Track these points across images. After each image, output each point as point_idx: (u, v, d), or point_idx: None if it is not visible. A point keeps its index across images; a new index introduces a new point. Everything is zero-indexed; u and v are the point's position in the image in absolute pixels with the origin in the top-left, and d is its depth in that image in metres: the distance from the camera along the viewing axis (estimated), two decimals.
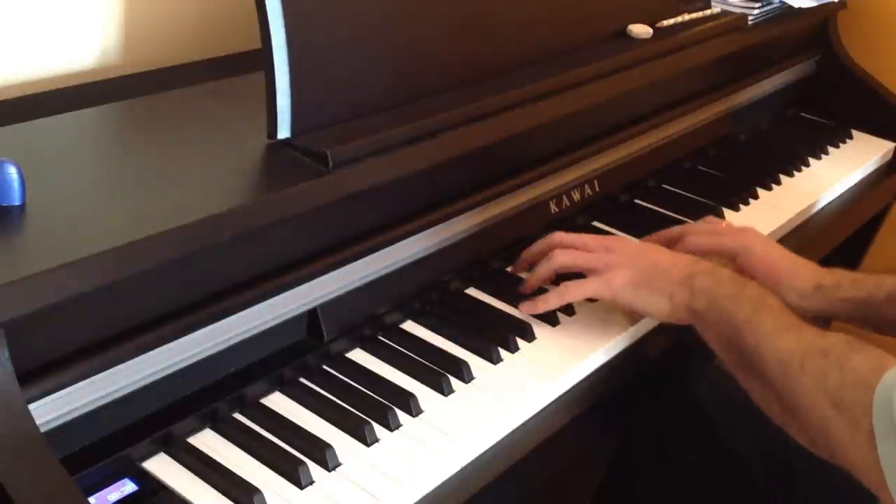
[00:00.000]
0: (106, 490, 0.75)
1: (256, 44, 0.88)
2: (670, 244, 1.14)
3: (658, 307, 0.96)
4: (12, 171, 0.76)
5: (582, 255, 1.01)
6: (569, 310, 1.03)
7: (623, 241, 1.04)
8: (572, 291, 1.00)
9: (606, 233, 1.22)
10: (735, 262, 1.10)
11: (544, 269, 1.03)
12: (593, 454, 1.29)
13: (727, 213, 1.30)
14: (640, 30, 1.30)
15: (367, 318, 0.97)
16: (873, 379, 0.74)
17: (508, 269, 1.12)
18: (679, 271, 0.96)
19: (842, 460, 0.78)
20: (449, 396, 0.90)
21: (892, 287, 1.02)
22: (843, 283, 1.05)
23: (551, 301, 1.00)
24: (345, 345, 0.95)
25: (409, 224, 0.99)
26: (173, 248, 0.76)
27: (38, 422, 0.69)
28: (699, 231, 1.14)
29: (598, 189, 1.24)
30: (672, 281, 0.95)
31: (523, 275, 1.09)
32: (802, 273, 1.06)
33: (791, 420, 0.83)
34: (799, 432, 0.83)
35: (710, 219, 1.22)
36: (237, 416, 0.86)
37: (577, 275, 1.01)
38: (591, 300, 1.04)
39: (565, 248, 1.03)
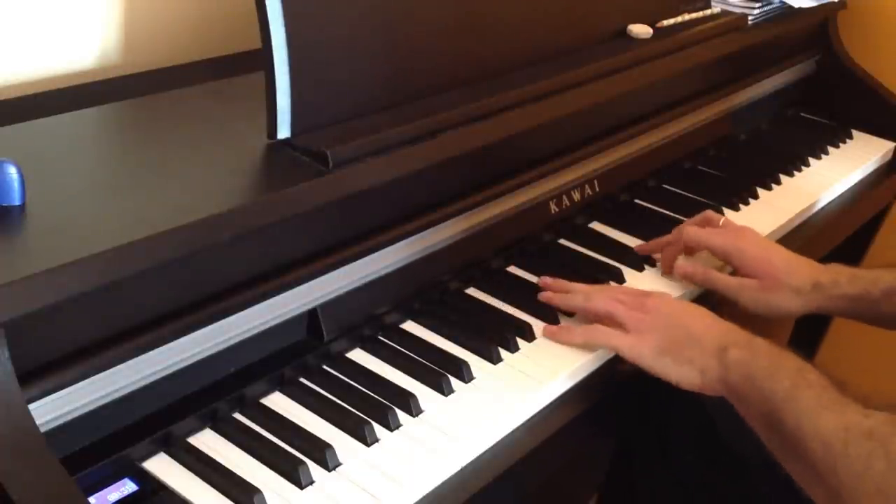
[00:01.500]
0: (106, 490, 0.75)
1: (256, 44, 0.88)
2: (663, 248, 1.14)
3: (688, 378, 0.92)
4: (12, 171, 0.76)
5: (618, 308, 0.98)
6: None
7: (660, 302, 0.99)
8: (599, 337, 0.97)
9: (606, 233, 1.22)
10: (731, 261, 1.10)
11: (577, 304, 1.01)
12: (593, 454, 1.29)
13: (727, 213, 1.30)
14: (640, 30, 1.30)
15: (367, 318, 0.97)
16: None
17: (509, 269, 1.12)
18: (712, 342, 0.91)
19: None
20: (449, 396, 0.90)
21: (889, 283, 1.02)
22: (840, 280, 1.05)
23: (576, 338, 0.98)
24: (345, 345, 0.95)
25: (409, 224, 0.99)
26: (173, 248, 0.76)
27: (38, 422, 0.69)
28: (695, 226, 1.14)
29: (598, 189, 1.24)
30: (704, 352, 0.91)
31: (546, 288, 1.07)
32: (799, 271, 1.06)
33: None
34: None
35: (709, 214, 1.22)
36: (237, 416, 0.86)
37: None
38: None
39: (606, 296, 1.00)
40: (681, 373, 0.92)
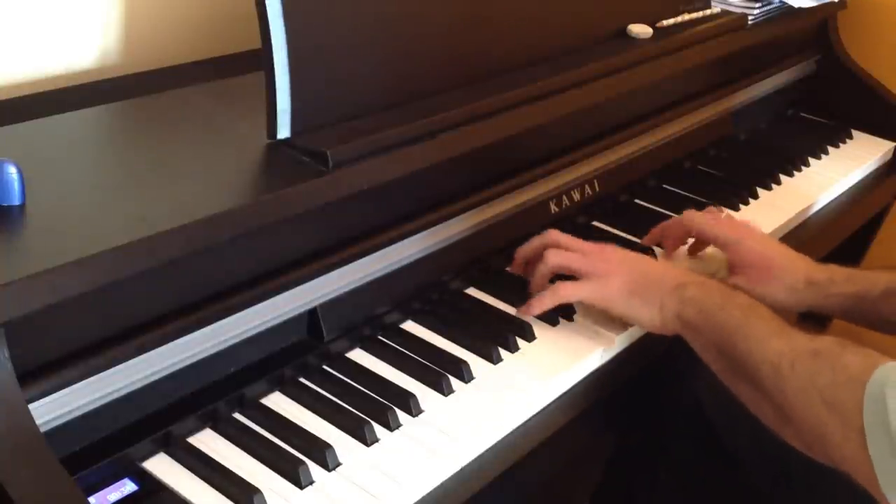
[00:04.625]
0: (106, 490, 0.75)
1: (256, 44, 0.88)
2: (664, 235, 1.15)
3: (650, 317, 0.96)
4: (12, 171, 0.76)
5: (577, 258, 1.01)
6: (568, 310, 1.03)
7: (616, 250, 1.03)
8: (567, 291, 1.00)
9: (606, 233, 1.22)
10: (729, 252, 1.11)
11: (541, 273, 1.03)
12: (593, 454, 1.29)
13: (727, 213, 1.30)
14: (640, 30, 1.30)
15: (367, 318, 0.97)
16: (864, 376, 0.75)
17: (508, 268, 1.12)
18: (670, 281, 0.96)
19: (836, 460, 0.78)
20: (449, 396, 0.90)
21: (887, 283, 1.02)
22: (835, 279, 1.05)
23: (546, 301, 1.00)
24: (345, 345, 0.95)
25: (409, 224, 0.99)
26: (173, 248, 0.76)
27: (38, 422, 0.69)
28: (698, 215, 1.15)
29: (598, 189, 1.24)
30: (663, 291, 0.95)
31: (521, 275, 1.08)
32: (795, 267, 1.07)
33: (785, 424, 0.84)
34: (793, 436, 0.84)
35: (710, 209, 1.22)
36: (237, 416, 0.86)
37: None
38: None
39: (559, 249, 1.02)
40: (646, 313, 0.97)
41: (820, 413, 0.77)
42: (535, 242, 1.06)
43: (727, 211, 1.30)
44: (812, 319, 1.61)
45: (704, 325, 0.91)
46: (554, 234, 1.05)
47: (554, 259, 1.02)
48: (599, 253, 1.01)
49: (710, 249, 1.17)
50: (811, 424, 0.79)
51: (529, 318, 1.01)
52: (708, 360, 0.92)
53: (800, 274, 1.06)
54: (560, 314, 1.02)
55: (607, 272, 0.99)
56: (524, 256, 1.08)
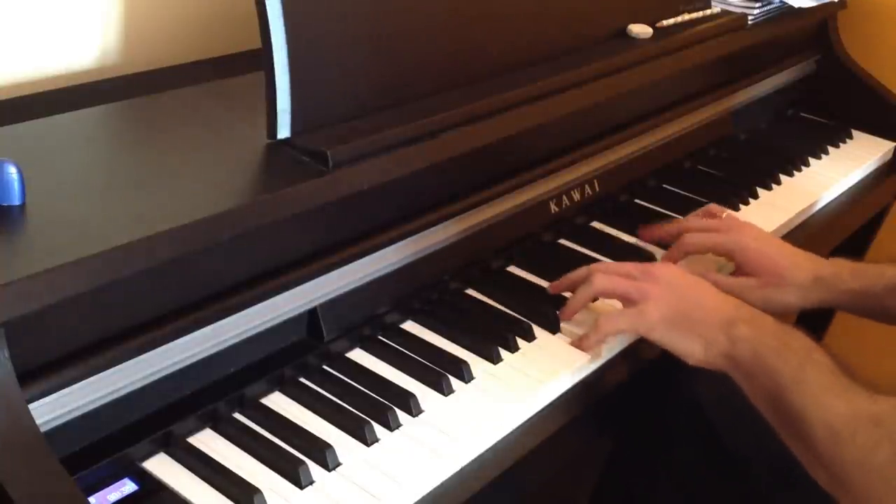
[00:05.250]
0: (106, 490, 0.75)
1: (256, 44, 0.88)
2: (669, 240, 1.14)
3: (690, 350, 0.91)
4: (12, 171, 0.76)
5: (621, 283, 0.96)
6: None
7: (667, 271, 0.97)
8: (606, 327, 0.95)
9: (606, 233, 1.22)
10: (733, 259, 1.10)
11: (582, 295, 0.99)
12: (593, 454, 1.29)
13: (728, 213, 1.30)
14: (640, 30, 1.30)
15: (367, 318, 0.97)
16: None
17: (509, 269, 1.12)
18: (719, 315, 0.90)
19: None
20: (449, 396, 0.90)
21: (893, 277, 1.01)
22: (843, 274, 1.04)
23: (592, 342, 0.96)
24: (345, 345, 0.95)
25: (409, 224, 0.99)
26: (173, 248, 0.76)
27: (38, 422, 0.69)
28: (696, 228, 1.14)
29: (598, 189, 1.24)
30: (710, 325, 0.90)
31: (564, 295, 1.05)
32: (801, 265, 1.06)
33: (838, 489, 0.79)
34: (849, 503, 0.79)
35: (714, 207, 1.22)
36: (237, 415, 0.86)
37: None
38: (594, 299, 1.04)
39: (606, 275, 0.98)
40: (687, 345, 0.91)
41: (877, 488, 0.74)
42: (582, 271, 1.01)
43: (728, 211, 1.30)
44: (814, 315, 1.62)
45: (758, 370, 0.85)
46: (601, 264, 1.02)
47: (598, 283, 0.97)
48: (647, 273, 0.96)
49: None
50: (866, 497, 0.75)
51: (529, 319, 1.01)
52: (759, 407, 0.87)
53: (807, 272, 1.05)
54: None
55: (649, 297, 0.94)
56: (568, 284, 1.03)
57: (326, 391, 0.89)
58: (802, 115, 1.71)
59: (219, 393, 0.85)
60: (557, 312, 1.01)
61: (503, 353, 0.96)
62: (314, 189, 0.87)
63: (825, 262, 1.06)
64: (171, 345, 0.80)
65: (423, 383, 0.91)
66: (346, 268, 0.93)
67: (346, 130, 0.93)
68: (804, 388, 0.80)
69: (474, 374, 0.93)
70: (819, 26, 1.68)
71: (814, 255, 1.08)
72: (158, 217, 0.77)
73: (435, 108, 1.00)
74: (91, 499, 0.74)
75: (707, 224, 1.15)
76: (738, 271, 1.10)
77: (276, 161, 0.90)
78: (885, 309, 1.02)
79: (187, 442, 0.82)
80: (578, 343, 0.98)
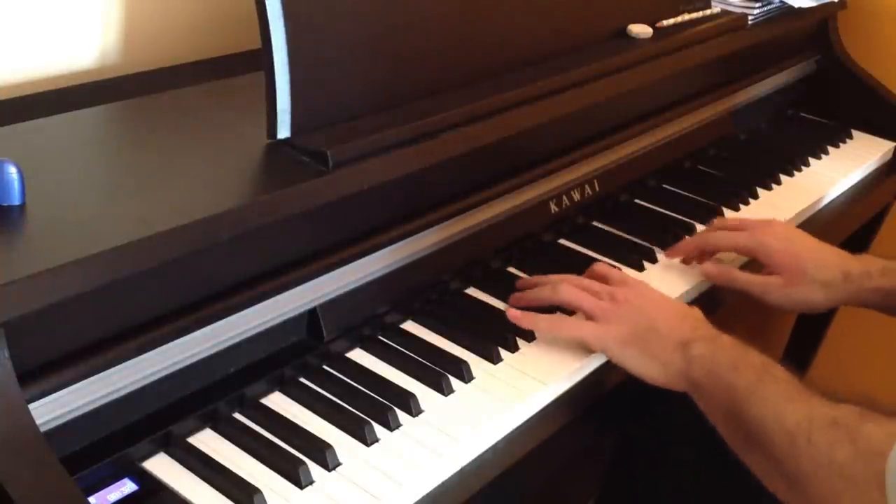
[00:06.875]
0: (106, 490, 0.75)
1: (256, 44, 0.88)
2: (692, 252, 1.13)
3: (650, 372, 0.92)
4: (12, 171, 0.76)
5: (586, 299, 0.97)
6: (569, 311, 1.03)
7: (632, 293, 0.98)
8: (565, 329, 0.97)
9: (606, 233, 1.22)
10: (757, 258, 1.10)
11: (545, 295, 1.00)
12: (593, 454, 1.29)
13: (727, 212, 1.31)
14: (640, 30, 1.30)
15: (367, 318, 0.97)
16: (886, 449, 0.71)
17: (509, 269, 1.12)
18: (676, 336, 0.91)
19: None
20: (449, 396, 0.90)
21: None
22: (872, 272, 1.03)
23: (540, 325, 0.97)
24: (345, 345, 0.95)
25: (409, 224, 0.99)
26: (173, 248, 0.76)
27: (38, 422, 0.69)
28: (716, 229, 1.13)
29: (598, 189, 1.24)
30: (666, 347, 0.91)
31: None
32: (828, 263, 1.05)
33: (796, 494, 0.79)
34: None
35: (724, 220, 1.22)
36: (237, 415, 0.86)
37: None
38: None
39: (573, 286, 0.99)
40: (644, 366, 0.92)
41: (837, 487, 0.74)
42: (554, 277, 1.02)
43: (727, 213, 1.30)
44: (812, 319, 1.62)
45: (714, 388, 0.86)
46: (573, 277, 1.02)
47: (564, 293, 0.98)
48: (611, 296, 0.97)
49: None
50: (824, 498, 0.75)
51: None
52: (716, 423, 0.88)
53: (834, 269, 1.04)
54: (560, 314, 1.02)
55: (609, 319, 0.95)
56: (536, 282, 1.04)
57: (326, 391, 0.89)
58: (802, 115, 1.71)
59: (219, 393, 0.85)
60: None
61: (503, 353, 0.96)
62: (314, 189, 0.87)
63: (854, 259, 1.05)
64: (171, 345, 0.80)
65: (423, 383, 0.91)
66: (346, 268, 0.93)
67: (346, 130, 0.93)
68: (761, 398, 0.81)
69: (474, 374, 0.93)
70: (819, 26, 1.68)
71: (843, 252, 1.06)
72: (158, 217, 0.77)
73: (435, 108, 1.00)
74: (91, 499, 0.74)
75: (728, 224, 1.15)
76: (765, 270, 1.10)
77: (276, 161, 0.90)
78: None
79: (187, 442, 0.82)
80: (521, 318, 0.97)
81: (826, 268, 1.04)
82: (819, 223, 1.37)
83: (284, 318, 0.90)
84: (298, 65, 0.89)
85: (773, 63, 1.60)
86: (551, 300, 1.00)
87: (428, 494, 0.81)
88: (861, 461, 0.73)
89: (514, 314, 0.98)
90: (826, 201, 1.42)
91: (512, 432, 0.89)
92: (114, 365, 0.76)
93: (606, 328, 0.95)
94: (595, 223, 1.24)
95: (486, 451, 0.86)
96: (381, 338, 0.97)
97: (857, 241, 1.60)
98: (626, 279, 1.02)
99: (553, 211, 1.18)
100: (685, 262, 1.15)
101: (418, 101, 1.01)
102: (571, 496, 1.39)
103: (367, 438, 0.83)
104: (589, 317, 0.97)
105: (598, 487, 1.26)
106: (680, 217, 1.27)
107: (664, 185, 1.37)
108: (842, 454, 0.74)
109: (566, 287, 0.99)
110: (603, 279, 1.01)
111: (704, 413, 0.89)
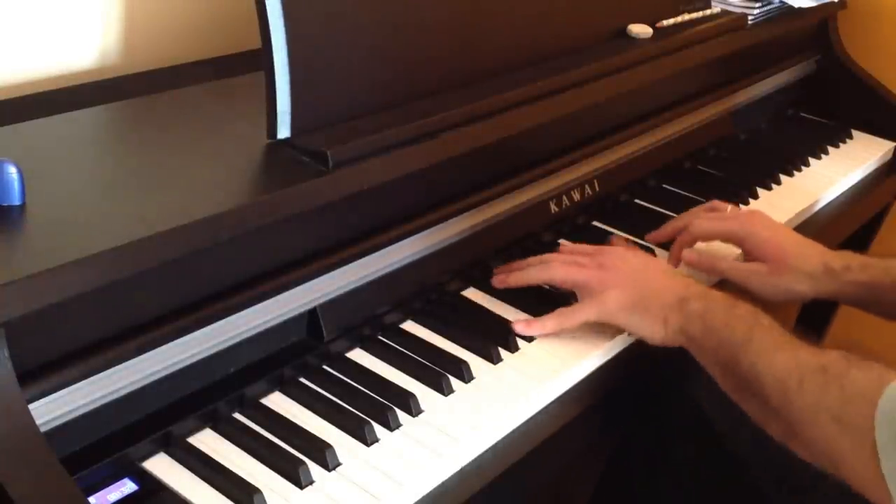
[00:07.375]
0: (106, 490, 0.75)
1: (256, 44, 0.88)
2: (676, 234, 1.14)
3: (651, 331, 0.95)
4: (12, 171, 0.76)
5: (578, 273, 0.99)
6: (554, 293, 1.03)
7: (616, 258, 1.01)
8: (572, 318, 0.98)
9: (606, 233, 1.22)
10: (742, 246, 1.10)
11: (534, 277, 1.02)
12: (593, 454, 1.29)
13: (731, 207, 1.30)
14: (640, 30, 1.30)
15: (367, 318, 0.97)
16: (874, 393, 0.74)
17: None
18: (672, 294, 0.94)
19: (846, 475, 0.77)
20: (449, 396, 0.90)
21: None
22: (852, 266, 1.04)
23: (549, 326, 0.98)
24: (345, 345, 0.95)
25: (409, 224, 0.99)
26: (173, 248, 0.76)
27: (38, 422, 0.69)
28: (704, 216, 1.14)
29: (598, 189, 1.24)
30: (665, 305, 0.94)
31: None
32: (810, 255, 1.06)
33: (793, 438, 0.83)
34: (802, 449, 0.83)
35: (716, 203, 1.22)
36: (237, 415, 0.86)
37: None
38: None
39: (562, 263, 1.01)
40: (647, 327, 0.95)
41: (829, 430, 0.77)
42: (546, 256, 1.04)
43: (731, 206, 1.30)
44: (816, 310, 1.61)
45: (709, 342, 0.90)
46: (558, 254, 1.04)
47: (556, 272, 1.00)
48: (598, 264, 0.99)
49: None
50: (820, 441, 0.78)
51: (530, 319, 1.01)
52: (714, 374, 0.91)
53: (816, 261, 1.05)
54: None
55: (607, 284, 0.97)
56: (523, 265, 1.05)
57: (326, 391, 0.89)
58: (802, 115, 1.71)
59: (219, 393, 0.85)
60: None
61: (503, 353, 0.96)
62: (314, 189, 0.87)
63: (834, 254, 1.07)
64: (171, 345, 0.80)
65: (423, 383, 0.91)
66: (345, 268, 0.93)
67: (345, 130, 0.93)
68: (753, 348, 0.85)
69: (474, 374, 0.93)
70: (819, 26, 1.68)
71: (822, 246, 1.08)
72: (158, 217, 0.77)
73: (435, 108, 1.00)
74: (91, 499, 0.74)
75: (715, 214, 1.16)
76: (748, 258, 1.10)
77: (276, 161, 0.90)
78: (892, 304, 1.02)
79: (187, 442, 0.82)
80: (528, 326, 0.98)
81: (808, 259, 1.06)
82: (819, 223, 1.38)
83: (284, 318, 0.90)
84: (298, 65, 0.89)
85: (773, 63, 1.60)
86: (541, 281, 1.02)
87: (428, 494, 0.81)
88: (852, 406, 0.76)
89: (521, 327, 0.99)
90: (826, 201, 1.42)
91: (512, 432, 0.89)
92: (114, 365, 0.76)
93: (604, 297, 0.97)
94: (595, 223, 1.24)
95: (486, 451, 0.86)
96: (381, 338, 0.97)
97: (857, 241, 1.60)
98: (600, 248, 1.04)
99: (553, 211, 1.18)
100: (672, 259, 1.15)
101: (418, 101, 1.01)
102: (571, 496, 1.39)
103: (367, 438, 0.83)
104: (583, 290, 0.98)
105: (597, 487, 1.26)
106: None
107: (664, 185, 1.37)
108: (832, 399, 0.77)
109: (557, 266, 1.01)
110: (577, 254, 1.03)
111: (703, 365, 0.92)
